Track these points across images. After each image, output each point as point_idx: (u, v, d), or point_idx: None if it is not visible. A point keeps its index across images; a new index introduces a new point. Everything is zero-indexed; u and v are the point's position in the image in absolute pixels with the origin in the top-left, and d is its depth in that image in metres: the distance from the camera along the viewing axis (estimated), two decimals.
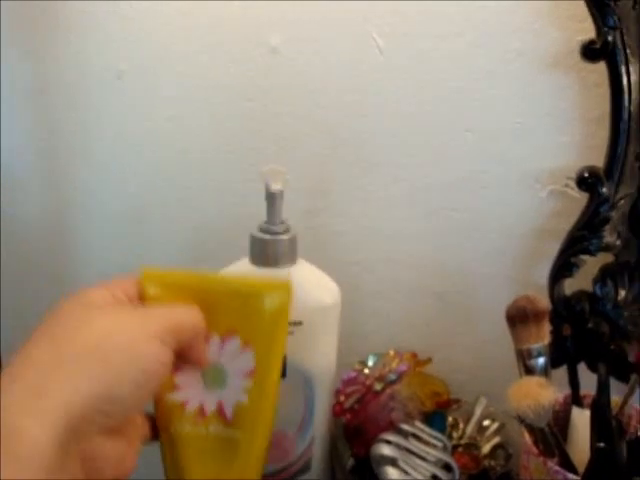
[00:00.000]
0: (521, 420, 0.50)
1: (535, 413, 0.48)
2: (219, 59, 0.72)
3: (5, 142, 0.83)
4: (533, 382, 0.51)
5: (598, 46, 0.54)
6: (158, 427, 0.46)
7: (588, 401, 0.56)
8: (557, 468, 0.50)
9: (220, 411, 0.46)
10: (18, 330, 0.72)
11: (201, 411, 0.46)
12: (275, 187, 0.54)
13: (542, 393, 0.49)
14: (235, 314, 0.44)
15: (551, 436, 0.51)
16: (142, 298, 0.43)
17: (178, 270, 0.45)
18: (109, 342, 0.37)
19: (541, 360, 0.55)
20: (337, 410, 0.64)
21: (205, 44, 0.71)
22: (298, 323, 0.57)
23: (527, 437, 0.53)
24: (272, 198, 0.55)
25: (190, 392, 0.45)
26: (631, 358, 0.59)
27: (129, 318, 0.39)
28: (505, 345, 0.57)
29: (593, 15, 0.54)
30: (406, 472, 0.57)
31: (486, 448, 0.65)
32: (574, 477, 0.49)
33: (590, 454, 0.49)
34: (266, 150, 0.72)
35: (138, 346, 0.37)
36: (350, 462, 0.65)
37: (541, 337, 0.54)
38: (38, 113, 0.81)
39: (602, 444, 0.48)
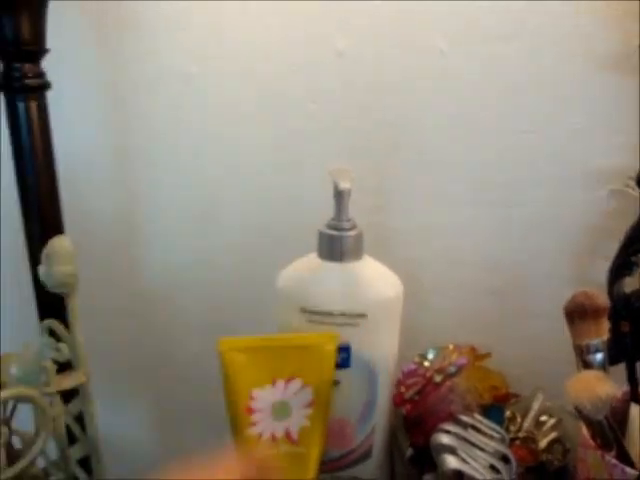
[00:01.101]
0: (579, 413, 0.52)
1: (593, 405, 0.50)
2: (285, 61, 0.74)
3: (75, 139, 0.87)
4: (591, 375, 0.52)
5: None
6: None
7: None
8: (615, 462, 0.51)
9: (288, 435, 0.60)
10: (87, 324, 0.77)
11: (273, 437, 0.60)
12: (343, 185, 0.57)
13: (600, 386, 0.50)
14: (296, 362, 0.58)
15: (609, 429, 0.52)
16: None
17: (247, 336, 0.58)
18: None
19: (599, 356, 0.56)
20: (398, 400, 0.67)
21: (272, 46, 0.74)
22: (363, 315, 0.59)
23: (585, 430, 0.54)
24: (340, 196, 0.58)
25: (263, 425, 0.59)
26: None
27: None
28: (561, 341, 0.59)
29: None
30: (465, 461, 0.59)
31: (543, 443, 0.66)
32: (632, 471, 0.50)
33: None
34: (329, 149, 0.75)
35: None
36: (409, 452, 0.67)
37: (599, 333, 0.55)
38: (108, 111, 0.85)
39: None
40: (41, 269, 0.52)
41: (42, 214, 0.68)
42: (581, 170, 0.67)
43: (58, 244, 0.51)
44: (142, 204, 0.89)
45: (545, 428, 0.68)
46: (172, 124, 0.82)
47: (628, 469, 0.50)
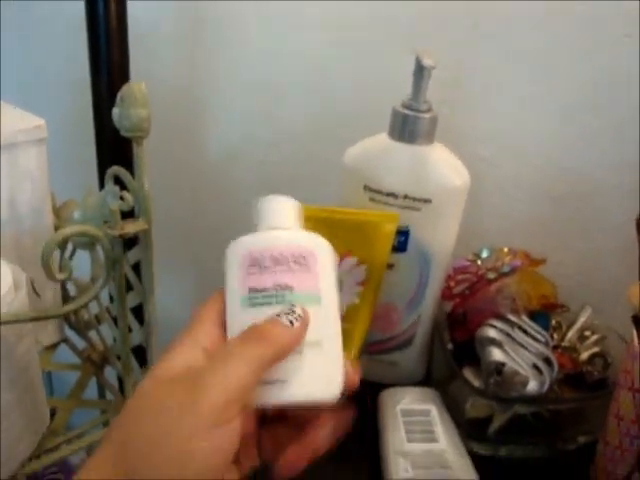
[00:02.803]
0: (637, 320, 0.51)
1: None
2: None
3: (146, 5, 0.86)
4: None
5: None
6: None
7: None
8: None
9: None
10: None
11: None
12: (426, 62, 0.55)
13: None
14: (352, 238, 0.57)
15: None
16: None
17: (310, 205, 0.49)
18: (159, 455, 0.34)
19: None
20: (446, 294, 0.67)
21: None
22: (427, 201, 0.59)
23: (636, 340, 0.54)
24: (421, 73, 0.56)
25: None
26: None
27: (178, 413, 0.34)
28: (619, 258, 0.58)
29: None
30: (510, 356, 0.59)
31: (585, 355, 0.66)
32: None
33: None
34: (405, 37, 0.72)
35: (187, 456, 0.34)
36: (449, 346, 0.67)
37: None
38: None
39: None
40: (115, 111, 0.52)
41: (111, 69, 0.68)
42: None
43: (136, 87, 0.51)
44: (208, 75, 0.88)
45: (588, 342, 0.68)
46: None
47: None
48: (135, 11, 0.71)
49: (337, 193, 0.62)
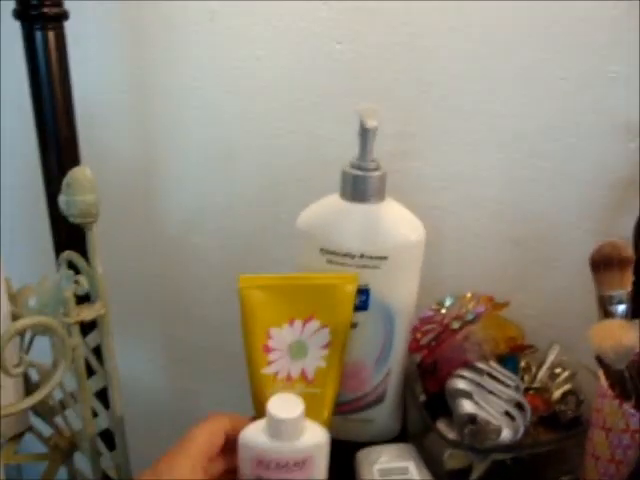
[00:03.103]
0: (600, 361, 0.52)
1: (616, 354, 0.49)
2: (311, 1, 0.73)
3: (93, 78, 0.86)
4: (615, 324, 0.52)
5: None
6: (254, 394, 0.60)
7: None
8: (633, 411, 0.51)
9: (303, 375, 0.60)
10: (108, 261, 0.76)
11: (289, 377, 0.60)
12: (370, 123, 0.56)
13: (625, 335, 0.50)
14: (314, 302, 0.58)
15: (629, 379, 0.52)
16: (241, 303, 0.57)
17: (267, 274, 0.58)
18: None
19: (621, 307, 0.55)
20: (413, 346, 0.66)
21: None
22: (383, 258, 0.59)
23: (603, 380, 0.54)
24: (366, 134, 0.57)
25: (279, 364, 0.59)
26: None
27: None
28: (581, 294, 0.58)
29: None
30: (481, 406, 0.59)
31: (557, 394, 0.66)
32: None
33: None
34: (354, 92, 0.73)
35: None
36: (422, 397, 0.67)
37: (624, 284, 0.55)
38: (126, 51, 0.84)
39: None
40: (61, 198, 0.51)
41: (60, 144, 0.67)
42: (613, 120, 0.65)
43: (80, 173, 0.50)
44: (160, 145, 0.88)
45: (559, 380, 0.68)
46: (192, 63, 0.81)
47: None
48: (83, 89, 0.71)
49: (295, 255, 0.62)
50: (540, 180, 0.69)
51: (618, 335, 0.50)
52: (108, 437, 0.62)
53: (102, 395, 0.61)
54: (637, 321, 0.54)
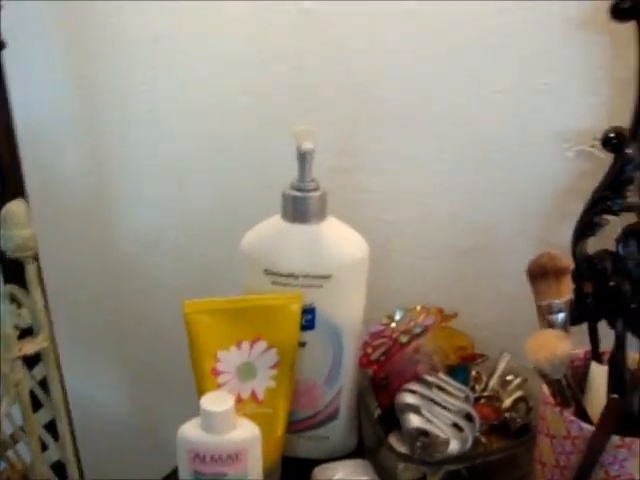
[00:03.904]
0: (539, 371, 0.52)
1: (551, 364, 0.50)
2: (252, 19, 0.73)
3: (42, 103, 0.86)
4: (550, 334, 0.53)
5: (627, 6, 0.55)
6: None
7: (607, 358, 0.58)
8: (572, 418, 0.52)
9: (254, 396, 0.61)
10: (60, 288, 0.76)
11: (239, 399, 0.60)
12: (306, 146, 0.56)
13: (559, 345, 0.51)
14: (260, 323, 0.59)
15: (567, 388, 0.53)
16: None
17: (213, 298, 0.59)
18: None
19: (561, 316, 0.56)
20: (364, 362, 0.67)
21: (238, 5, 0.72)
22: (327, 277, 0.59)
23: (545, 389, 0.55)
24: (303, 157, 0.57)
25: (229, 387, 0.60)
26: None
27: None
28: (529, 302, 0.59)
29: None
30: (429, 420, 0.60)
31: (508, 401, 0.67)
32: (588, 426, 0.51)
33: (605, 405, 0.50)
34: (298, 109, 0.74)
35: None
36: (377, 412, 0.67)
37: (561, 293, 0.56)
38: (75, 74, 0.83)
39: (616, 395, 0.50)
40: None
41: (2, 174, 0.67)
42: (550, 130, 0.66)
43: (15, 208, 0.50)
44: (112, 165, 0.88)
45: (510, 387, 0.69)
46: (141, 85, 0.81)
47: (585, 425, 0.51)
48: (28, 112, 0.71)
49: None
50: (482, 191, 0.70)
51: (552, 346, 0.50)
52: (60, 469, 0.62)
53: (53, 427, 0.61)
54: (570, 332, 0.56)
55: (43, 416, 0.61)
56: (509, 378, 0.69)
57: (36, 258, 0.55)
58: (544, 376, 0.53)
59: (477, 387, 0.68)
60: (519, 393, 0.68)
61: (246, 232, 0.64)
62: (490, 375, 0.69)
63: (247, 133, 0.78)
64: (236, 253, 0.64)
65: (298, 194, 0.59)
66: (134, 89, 0.81)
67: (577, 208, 0.64)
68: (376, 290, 0.67)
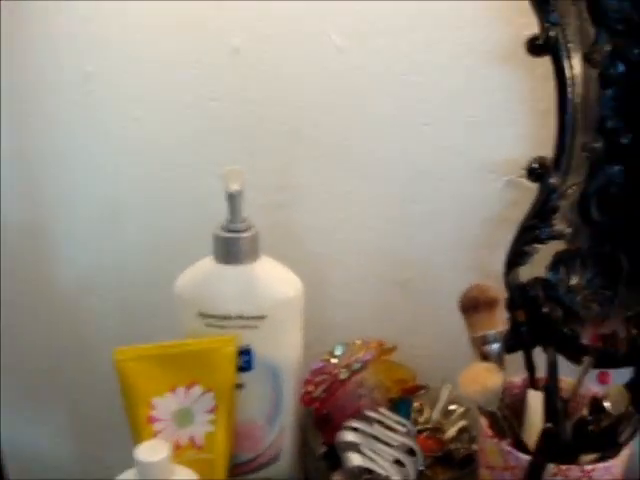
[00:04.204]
0: (474, 404, 0.53)
1: (483, 397, 0.51)
2: (184, 59, 0.73)
3: None
4: (481, 367, 0.53)
5: (541, 42, 0.56)
6: None
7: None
8: (509, 448, 0.52)
9: (192, 442, 0.60)
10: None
11: (177, 445, 0.59)
12: (234, 187, 0.56)
13: (490, 378, 0.51)
14: (195, 368, 0.58)
15: (503, 419, 0.53)
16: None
17: (143, 345, 0.58)
18: None
19: (495, 346, 0.57)
20: (306, 400, 0.66)
21: (170, 44, 0.72)
22: (262, 317, 0.59)
23: (482, 421, 0.55)
24: (232, 198, 0.57)
25: (166, 434, 0.58)
26: (585, 341, 0.61)
27: None
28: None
29: (535, 12, 0.56)
30: (369, 458, 0.59)
31: (451, 432, 0.67)
32: (525, 456, 0.51)
33: (539, 434, 0.51)
34: (231, 147, 0.74)
35: None
36: (321, 449, 0.67)
37: (494, 324, 0.57)
38: (5, 115, 0.82)
39: (549, 424, 0.50)
40: None
41: None
42: (477, 162, 0.68)
43: None
44: (49, 208, 0.86)
45: (453, 417, 0.69)
46: (74, 125, 0.79)
47: (521, 455, 0.51)
48: None
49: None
50: (415, 222, 0.71)
51: (483, 379, 0.51)
52: None
53: None
54: (505, 361, 0.56)
55: None
56: (452, 408, 0.69)
57: None
58: (480, 408, 0.53)
59: (420, 419, 0.68)
60: (463, 422, 0.68)
61: (180, 274, 0.63)
62: (433, 406, 0.70)
63: (181, 172, 0.77)
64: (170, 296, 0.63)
65: (229, 235, 0.58)
66: (67, 127, 0.80)
67: (508, 237, 0.65)
68: (315, 326, 0.67)
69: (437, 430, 0.67)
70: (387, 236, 0.72)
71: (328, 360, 0.68)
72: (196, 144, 0.75)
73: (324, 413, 0.67)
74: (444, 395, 0.70)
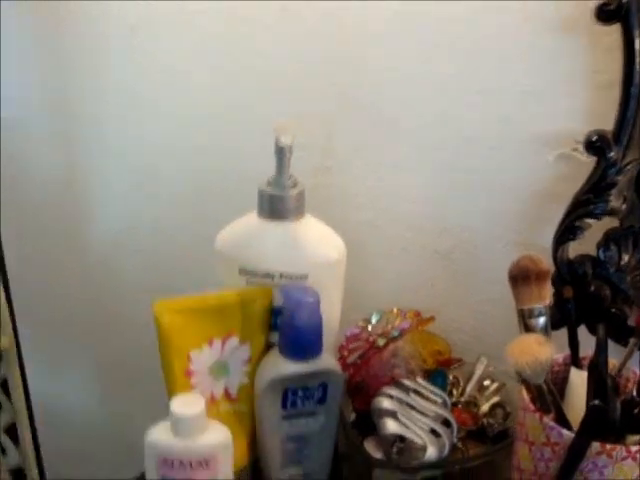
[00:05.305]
0: (519, 377, 0.51)
1: (532, 369, 0.49)
2: (231, 16, 0.72)
3: (16, 94, 0.83)
4: (532, 339, 0.51)
5: (612, 7, 0.54)
6: None
7: (586, 363, 0.57)
8: (552, 424, 0.51)
9: (227, 394, 0.59)
10: (27, 284, 0.73)
11: (212, 398, 0.58)
12: (284, 141, 0.55)
13: (540, 350, 0.49)
14: (232, 320, 0.57)
15: (548, 393, 0.52)
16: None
17: (183, 296, 0.56)
18: None
19: (541, 320, 0.55)
20: (340, 365, 0.65)
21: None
22: (303, 277, 0.58)
23: (525, 394, 0.54)
24: (281, 152, 0.56)
25: (202, 387, 0.57)
26: (631, 322, 0.60)
27: None
28: (507, 306, 0.58)
29: None
30: (405, 425, 0.58)
31: (485, 407, 0.66)
32: (569, 433, 0.50)
33: (585, 411, 0.49)
34: (276, 107, 0.73)
35: None
36: (352, 416, 0.66)
37: (542, 297, 0.55)
38: (51, 66, 0.81)
39: (597, 401, 0.49)
40: None
41: None
42: (530, 133, 0.66)
43: None
44: (87, 160, 0.86)
45: (487, 392, 0.68)
46: (112, 84, 0.79)
47: (565, 431, 0.50)
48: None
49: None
50: (462, 193, 0.69)
51: (534, 351, 0.49)
52: (19, 475, 0.59)
53: (13, 431, 0.58)
54: (550, 336, 0.55)
55: (3, 419, 0.58)
56: (486, 383, 0.68)
57: None
58: (524, 381, 0.52)
59: (454, 392, 0.67)
60: (496, 398, 0.67)
61: (220, 230, 0.62)
62: (467, 380, 0.68)
63: (217, 130, 0.76)
64: (208, 254, 0.62)
65: (275, 191, 0.57)
66: (108, 86, 0.79)
67: (557, 212, 0.63)
68: (350, 293, 0.65)
69: (471, 404, 0.66)
70: (431, 205, 0.71)
71: (364, 327, 0.68)
72: (240, 100, 0.74)
73: (357, 380, 0.66)
74: (479, 370, 0.69)
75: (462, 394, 0.67)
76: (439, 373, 0.67)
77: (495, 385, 0.68)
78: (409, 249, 0.73)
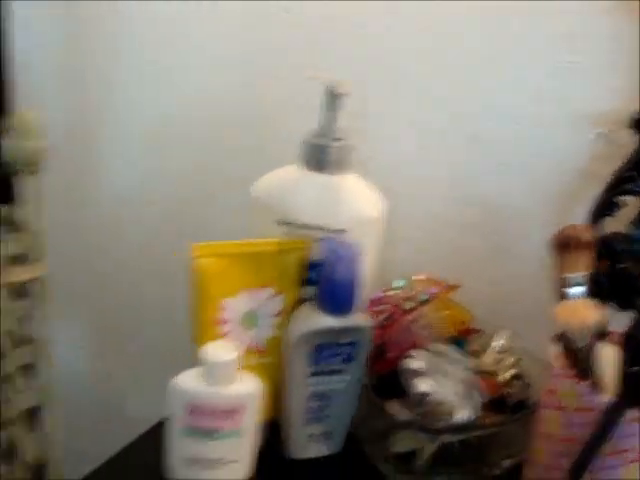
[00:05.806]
0: (562, 339, 0.52)
1: (580, 331, 0.50)
2: None
3: (25, 56, 0.81)
4: (580, 302, 0.52)
5: None
6: None
7: (612, 338, 0.57)
8: (588, 389, 0.51)
9: (255, 345, 0.58)
10: None
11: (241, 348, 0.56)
12: (341, 89, 0.54)
13: (589, 313, 0.50)
14: (268, 269, 0.56)
15: (585, 360, 0.52)
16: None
17: (221, 242, 0.55)
18: None
19: (579, 290, 0.56)
20: None
21: None
22: (341, 231, 0.57)
23: (557, 360, 0.54)
24: (333, 102, 0.55)
25: (231, 337, 0.56)
26: None
27: None
28: (531, 283, 0.58)
29: None
30: (435, 386, 0.58)
31: (504, 377, 0.66)
32: (605, 399, 0.50)
33: (623, 378, 0.50)
34: (304, 63, 0.72)
35: None
36: (372, 380, 0.66)
37: (583, 267, 0.55)
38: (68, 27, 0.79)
39: (635, 367, 0.49)
40: (7, 143, 0.47)
41: None
42: (571, 110, 0.66)
43: (28, 116, 0.46)
44: (99, 124, 0.83)
45: (505, 364, 0.68)
46: (133, 38, 0.77)
47: (600, 397, 0.50)
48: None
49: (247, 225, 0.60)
50: (495, 167, 0.69)
51: (583, 314, 0.50)
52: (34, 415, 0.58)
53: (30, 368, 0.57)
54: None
55: (20, 357, 0.56)
56: (503, 356, 0.68)
57: None
58: (567, 344, 0.52)
59: (474, 361, 0.67)
60: (514, 370, 0.67)
61: (246, 182, 0.61)
62: (485, 351, 0.68)
63: (248, 82, 0.75)
64: (237, 205, 0.61)
65: (321, 142, 0.56)
66: (123, 47, 0.77)
67: (589, 191, 0.63)
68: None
69: (492, 373, 0.66)
70: (464, 178, 0.71)
71: (389, 291, 0.67)
72: (270, 56, 0.73)
73: (378, 343, 0.66)
74: (496, 342, 0.69)
75: (481, 364, 0.68)
76: (459, 342, 0.67)
77: (512, 359, 0.68)
78: (435, 218, 0.73)
